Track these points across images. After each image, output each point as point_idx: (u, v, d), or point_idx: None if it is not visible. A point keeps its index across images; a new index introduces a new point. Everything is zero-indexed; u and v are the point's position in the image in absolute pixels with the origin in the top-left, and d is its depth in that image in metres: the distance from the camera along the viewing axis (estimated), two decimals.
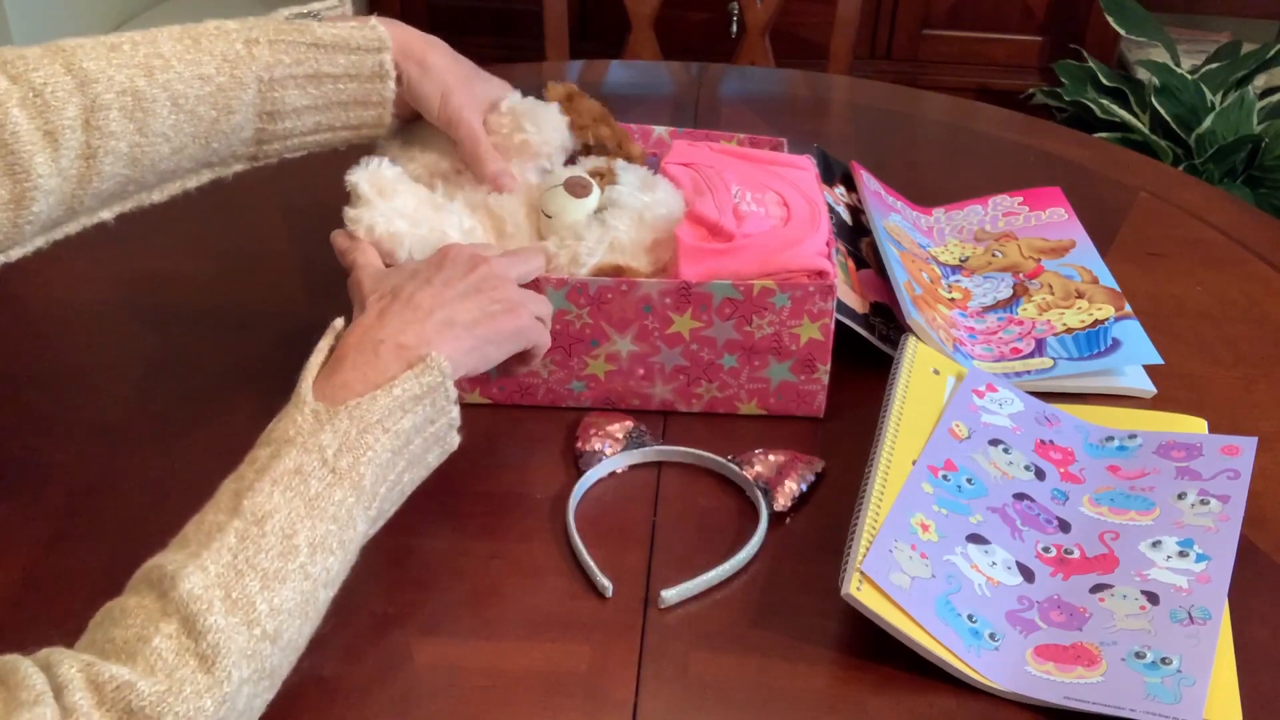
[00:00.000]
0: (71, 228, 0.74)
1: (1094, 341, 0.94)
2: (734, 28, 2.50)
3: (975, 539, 0.74)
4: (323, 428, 0.63)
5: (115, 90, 0.70)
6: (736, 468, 0.81)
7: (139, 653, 0.53)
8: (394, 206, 0.80)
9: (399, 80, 0.82)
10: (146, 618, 0.54)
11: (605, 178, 0.87)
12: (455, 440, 0.70)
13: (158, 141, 0.73)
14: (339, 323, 0.71)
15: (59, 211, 0.71)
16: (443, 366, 0.67)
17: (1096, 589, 0.72)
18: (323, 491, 0.61)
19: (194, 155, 0.76)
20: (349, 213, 0.79)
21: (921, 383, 0.84)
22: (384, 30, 0.81)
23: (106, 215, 0.75)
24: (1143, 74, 2.33)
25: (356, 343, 0.68)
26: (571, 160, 0.92)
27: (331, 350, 0.69)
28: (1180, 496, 0.78)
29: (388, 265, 0.78)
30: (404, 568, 0.74)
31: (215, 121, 0.75)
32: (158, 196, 0.78)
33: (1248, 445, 0.81)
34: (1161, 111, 2.20)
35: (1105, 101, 2.28)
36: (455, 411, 0.69)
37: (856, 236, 1.04)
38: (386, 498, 0.66)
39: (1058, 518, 0.78)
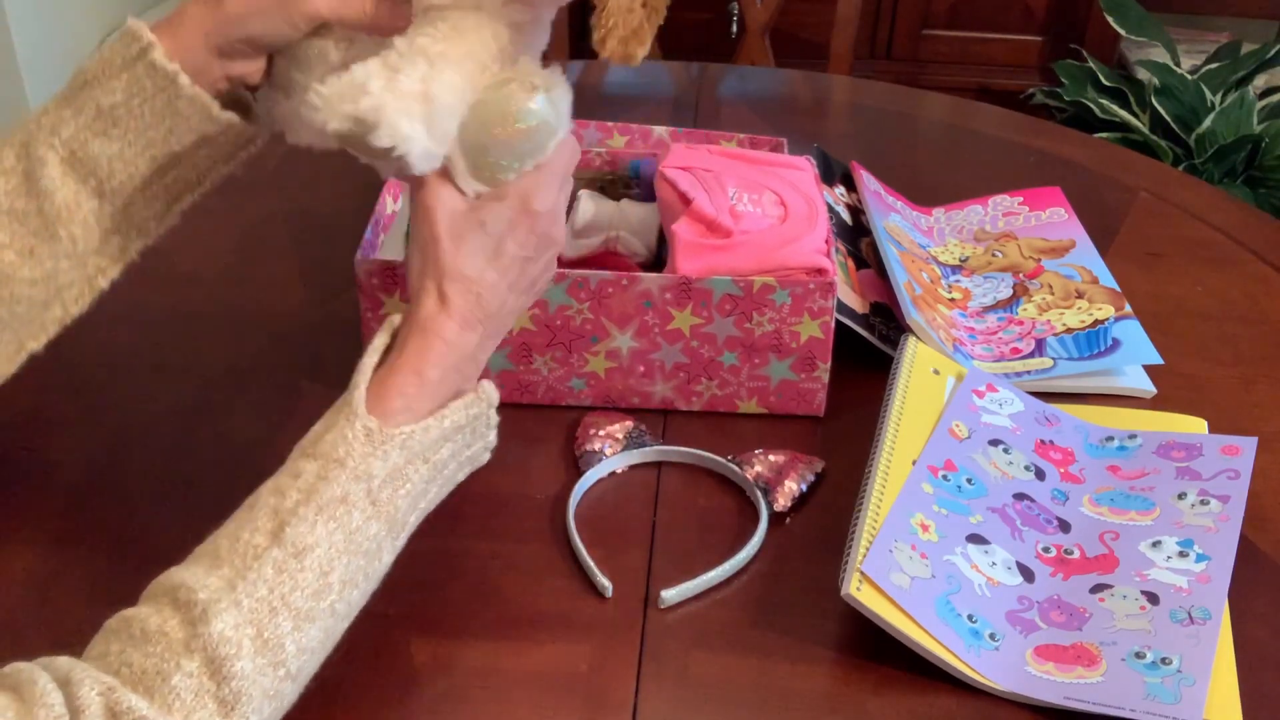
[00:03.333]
0: None
1: (1094, 341, 0.94)
2: (734, 28, 2.50)
3: (975, 539, 0.74)
4: (374, 453, 0.60)
5: None
6: (736, 468, 0.81)
7: (157, 688, 0.52)
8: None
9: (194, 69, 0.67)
10: (168, 648, 0.53)
11: None
12: (486, 458, 0.69)
13: None
14: (396, 320, 0.66)
15: None
16: (492, 397, 0.66)
17: (1096, 589, 0.72)
18: (362, 525, 0.59)
19: (51, 253, 0.68)
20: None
21: (921, 383, 0.84)
22: (137, 25, 0.68)
23: (33, 345, 0.71)
24: (1143, 74, 2.33)
25: (421, 350, 0.64)
26: None
27: (387, 348, 0.65)
28: (1180, 496, 0.78)
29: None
30: (404, 568, 0.74)
31: (41, 211, 0.68)
32: (73, 309, 0.72)
33: (1248, 445, 0.81)
34: (1161, 111, 2.20)
35: (1105, 101, 2.28)
36: (493, 435, 0.68)
37: (856, 236, 1.04)
38: (413, 523, 0.64)
39: (1058, 518, 0.78)
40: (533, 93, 0.64)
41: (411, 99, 0.62)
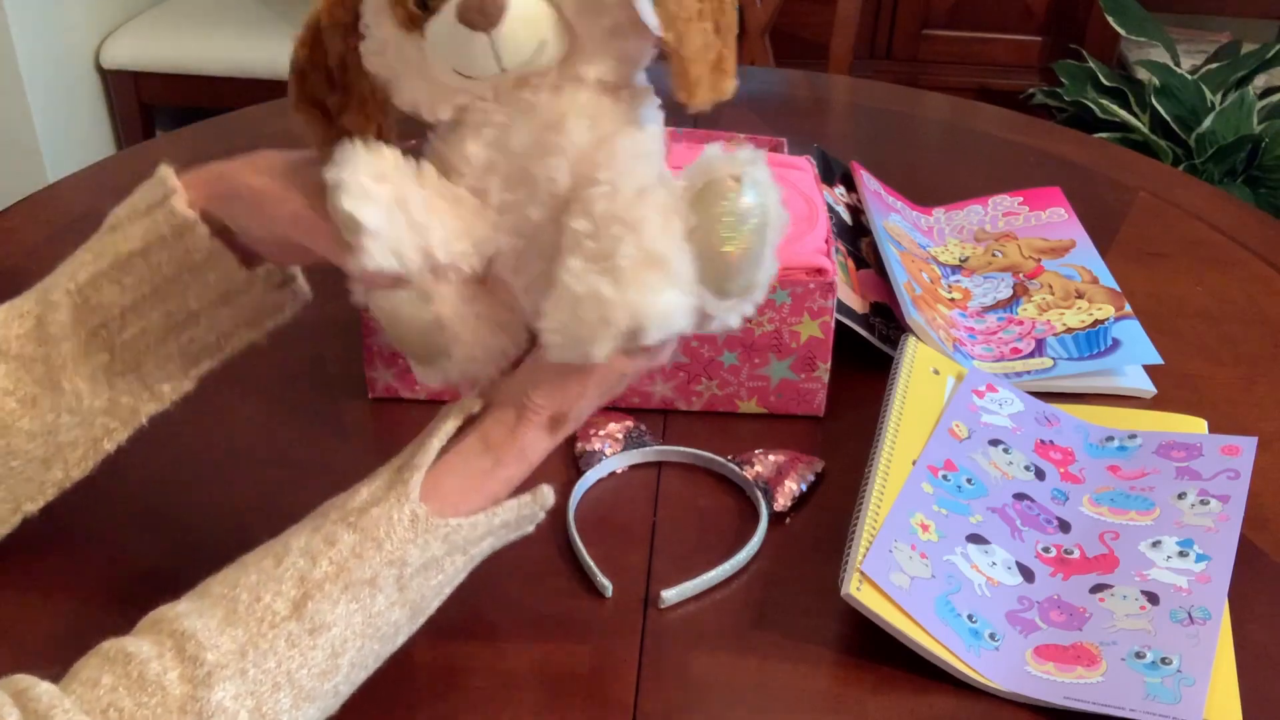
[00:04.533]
0: None
1: (1094, 341, 0.94)
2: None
3: (975, 539, 0.74)
4: (415, 540, 0.58)
5: None
6: (736, 468, 0.81)
7: None
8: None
9: (215, 226, 0.65)
10: (163, 704, 0.51)
11: None
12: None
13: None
14: (472, 406, 0.62)
15: None
16: (546, 501, 0.63)
17: (1096, 589, 0.72)
18: (385, 610, 0.57)
19: (53, 405, 0.66)
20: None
21: (921, 383, 0.84)
22: (165, 170, 0.66)
23: (30, 507, 0.68)
24: (1143, 74, 2.33)
25: (497, 446, 0.60)
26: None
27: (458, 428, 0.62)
28: (1180, 496, 0.78)
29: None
30: None
31: (47, 359, 0.65)
32: (75, 473, 0.69)
33: (1248, 445, 0.81)
34: (1161, 111, 2.20)
35: (1105, 101, 2.28)
36: (533, 526, 0.64)
37: (856, 236, 1.04)
38: (434, 607, 0.61)
39: (1058, 518, 0.78)
40: (737, 189, 0.55)
41: (646, 273, 0.53)
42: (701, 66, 0.57)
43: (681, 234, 0.55)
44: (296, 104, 0.62)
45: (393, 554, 0.57)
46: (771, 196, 0.55)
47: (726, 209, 0.54)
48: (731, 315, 0.57)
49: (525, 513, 0.62)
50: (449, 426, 0.61)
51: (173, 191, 0.64)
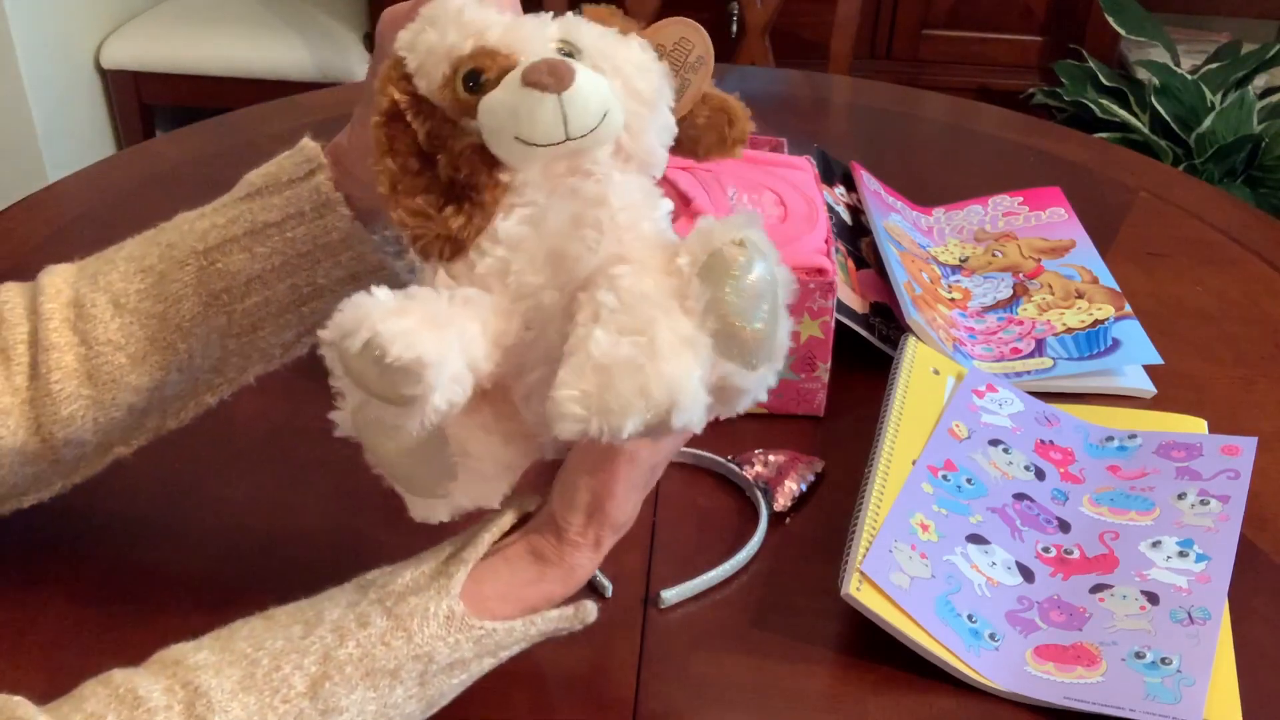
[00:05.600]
0: (78, 474, 0.68)
1: (1094, 341, 0.94)
2: (734, 28, 2.50)
3: (975, 539, 0.74)
4: (445, 638, 0.56)
5: (60, 301, 0.64)
6: (736, 468, 0.81)
7: None
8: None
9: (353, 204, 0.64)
10: None
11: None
12: None
13: (107, 351, 0.64)
14: (531, 505, 0.61)
15: (32, 443, 0.65)
16: (588, 617, 0.61)
17: (1096, 589, 0.72)
18: (401, 702, 0.56)
19: (163, 364, 0.65)
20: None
21: (921, 383, 0.84)
22: (312, 145, 0.65)
23: (121, 450, 0.69)
24: (1143, 74, 2.33)
25: (543, 560, 0.59)
26: None
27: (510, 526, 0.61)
28: (1180, 496, 0.78)
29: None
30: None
31: (164, 317, 0.64)
32: (171, 422, 0.69)
33: (1248, 445, 0.81)
34: (1161, 111, 2.20)
35: (1105, 101, 2.28)
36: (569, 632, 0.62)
37: (856, 236, 1.04)
38: (448, 699, 0.59)
39: (1058, 518, 0.78)
40: (740, 257, 0.52)
41: (681, 351, 0.51)
42: (711, 136, 0.61)
43: (699, 312, 0.52)
44: (400, 204, 0.56)
45: (421, 648, 0.56)
46: (773, 258, 0.53)
47: (740, 285, 0.52)
48: (761, 387, 0.54)
49: (564, 625, 0.60)
50: (504, 522, 0.60)
51: (320, 167, 0.64)
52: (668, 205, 0.58)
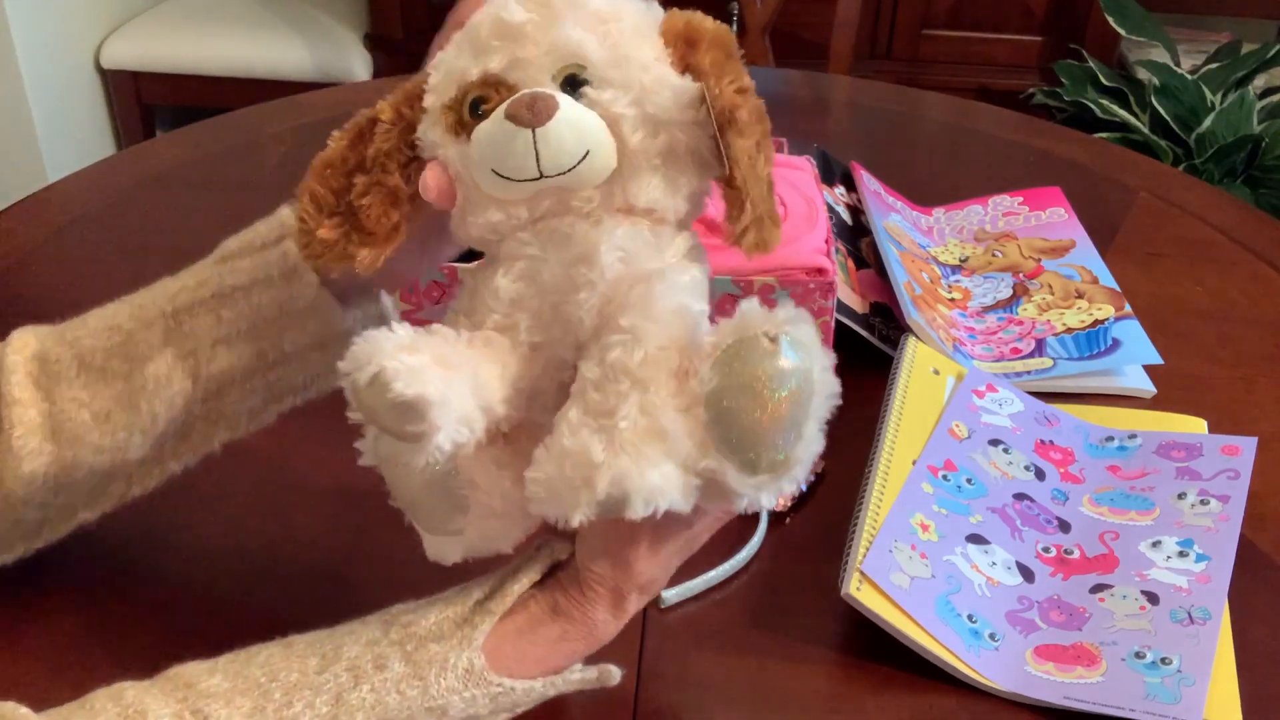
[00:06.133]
0: (40, 539, 0.67)
1: (1094, 341, 0.94)
2: (734, 28, 2.50)
3: (975, 539, 0.74)
4: (462, 691, 0.55)
5: (24, 354, 0.63)
6: None
7: None
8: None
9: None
10: None
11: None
12: None
13: (71, 408, 0.63)
14: (563, 554, 0.59)
15: None
16: (609, 681, 0.60)
17: (1096, 589, 0.72)
18: None
19: (126, 424, 0.64)
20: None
21: (921, 383, 0.84)
22: (287, 210, 0.64)
23: (86, 515, 0.67)
24: (1143, 74, 2.33)
25: (566, 618, 0.57)
26: None
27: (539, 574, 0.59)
28: (1180, 496, 0.78)
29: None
30: (405, 568, 0.74)
31: (129, 376, 0.63)
32: (136, 489, 0.68)
33: (1248, 445, 0.81)
34: (1161, 111, 2.20)
35: (1105, 101, 2.28)
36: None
37: (856, 236, 1.04)
38: None
39: (1058, 518, 0.78)
40: (775, 347, 0.48)
41: (643, 442, 0.49)
42: (761, 208, 0.53)
43: (696, 397, 0.49)
44: (308, 188, 0.57)
45: (435, 700, 0.55)
46: (817, 362, 0.49)
47: (758, 371, 0.48)
48: (762, 494, 0.50)
49: (585, 687, 0.59)
50: (533, 573, 0.58)
51: (288, 233, 0.63)
52: (693, 272, 0.54)
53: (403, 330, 0.51)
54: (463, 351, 0.53)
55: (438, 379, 0.50)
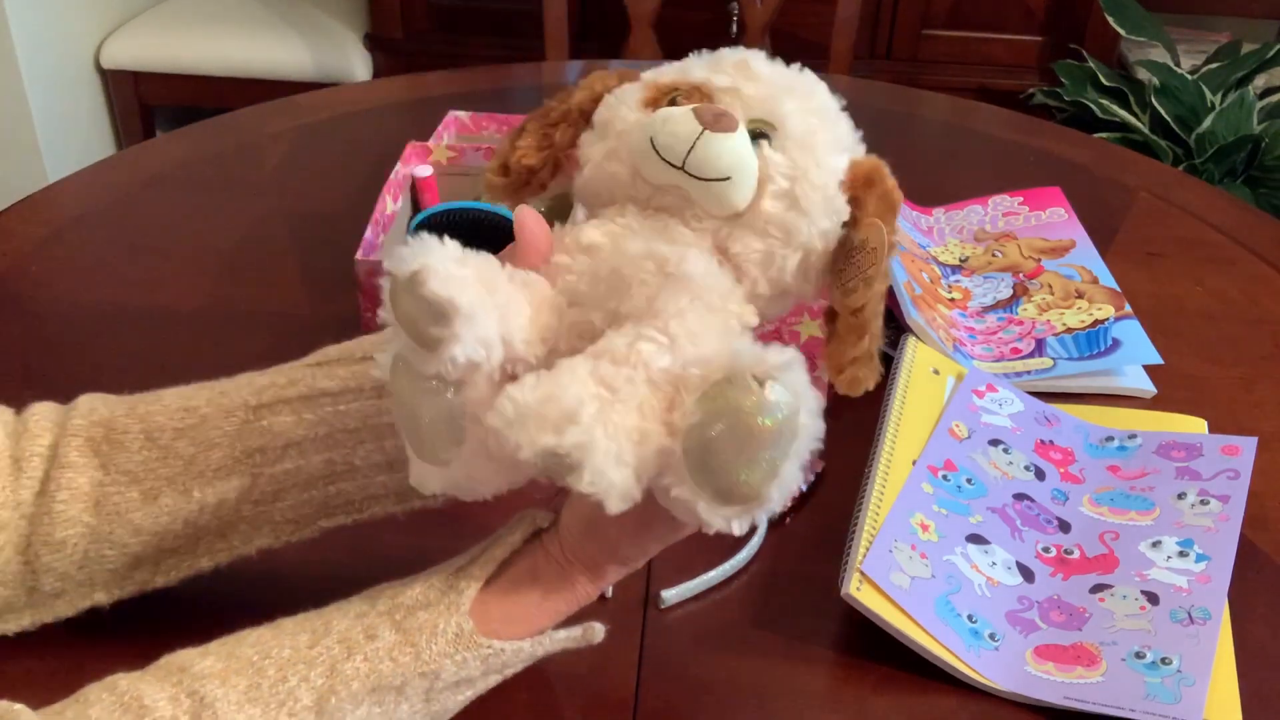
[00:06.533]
0: (51, 613, 0.64)
1: (1094, 341, 0.94)
2: (734, 28, 2.50)
3: (975, 539, 0.74)
4: (453, 656, 0.55)
5: (90, 419, 0.62)
6: None
7: None
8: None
9: None
10: None
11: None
12: None
13: (122, 481, 0.62)
14: (540, 519, 0.60)
15: (15, 562, 0.62)
16: (594, 639, 0.61)
17: (1096, 589, 0.72)
18: (405, 718, 0.56)
19: (171, 509, 0.62)
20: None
21: (921, 383, 0.84)
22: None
23: (101, 597, 0.64)
24: (1143, 74, 2.33)
25: (547, 582, 0.58)
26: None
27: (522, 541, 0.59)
28: (1180, 496, 0.78)
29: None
30: (404, 568, 0.74)
31: (191, 460, 0.62)
32: (159, 579, 0.65)
33: (1248, 445, 0.81)
34: (1161, 111, 2.20)
35: (1105, 101, 2.28)
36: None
37: None
38: (452, 712, 0.59)
39: (1058, 518, 0.78)
40: (763, 390, 0.49)
41: (625, 438, 0.49)
42: (873, 347, 0.55)
43: (675, 428, 0.50)
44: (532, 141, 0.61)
45: (428, 665, 0.55)
46: (804, 406, 0.49)
47: (742, 412, 0.48)
48: (733, 524, 0.51)
49: (570, 645, 0.60)
50: (515, 539, 0.59)
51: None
52: (749, 333, 0.56)
53: (454, 244, 0.52)
54: (504, 283, 0.54)
55: (473, 293, 0.50)
